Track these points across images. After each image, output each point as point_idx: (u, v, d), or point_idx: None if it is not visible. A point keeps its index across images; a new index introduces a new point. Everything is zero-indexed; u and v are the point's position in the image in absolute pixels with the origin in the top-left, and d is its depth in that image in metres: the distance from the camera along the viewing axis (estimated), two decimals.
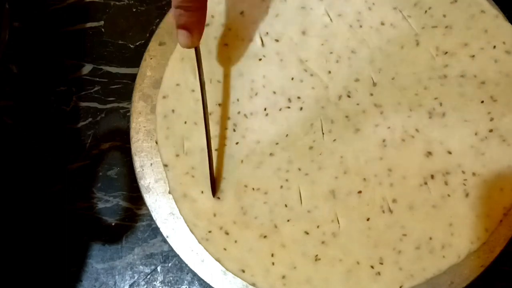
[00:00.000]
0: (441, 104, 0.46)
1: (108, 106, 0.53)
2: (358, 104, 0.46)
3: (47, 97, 0.53)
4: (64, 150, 0.52)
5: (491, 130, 0.45)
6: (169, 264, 0.50)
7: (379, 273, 0.44)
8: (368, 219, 0.45)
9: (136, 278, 0.50)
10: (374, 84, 0.47)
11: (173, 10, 0.41)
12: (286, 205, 0.45)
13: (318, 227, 0.45)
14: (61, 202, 0.51)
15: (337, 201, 0.45)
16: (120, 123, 0.52)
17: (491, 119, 0.45)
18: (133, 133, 0.49)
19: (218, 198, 0.45)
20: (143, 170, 0.48)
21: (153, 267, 0.50)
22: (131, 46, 0.54)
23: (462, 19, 0.46)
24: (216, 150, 0.46)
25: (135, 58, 0.52)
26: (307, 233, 0.45)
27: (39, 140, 0.52)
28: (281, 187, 0.45)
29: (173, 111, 0.47)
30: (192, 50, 0.47)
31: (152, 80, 0.49)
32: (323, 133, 0.46)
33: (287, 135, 0.46)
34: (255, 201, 0.45)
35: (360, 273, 0.44)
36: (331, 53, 0.47)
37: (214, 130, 0.46)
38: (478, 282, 0.45)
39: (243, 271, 0.44)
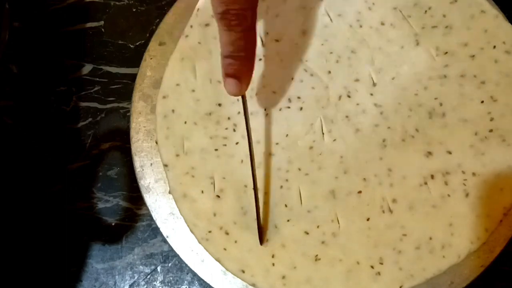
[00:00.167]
0: (441, 104, 0.46)
1: (108, 106, 0.53)
2: (358, 104, 0.46)
3: (47, 97, 0.53)
4: (64, 150, 0.52)
5: (491, 130, 0.45)
6: (169, 264, 0.50)
7: (379, 273, 0.44)
8: (368, 219, 0.45)
9: (136, 278, 0.50)
10: (374, 84, 0.47)
11: (222, 59, 0.41)
12: (286, 205, 0.45)
13: (318, 227, 0.45)
14: (61, 202, 0.51)
15: (337, 201, 0.45)
16: (120, 123, 0.52)
17: (491, 119, 0.45)
18: (133, 133, 0.49)
19: (218, 196, 0.45)
20: (143, 170, 0.48)
21: (153, 267, 0.50)
22: (131, 46, 0.54)
23: (462, 19, 0.46)
24: (216, 150, 0.46)
25: (135, 58, 0.52)
26: (307, 233, 0.45)
27: (39, 140, 0.52)
28: (281, 187, 0.45)
29: (173, 111, 0.47)
30: (192, 50, 0.47)
31: (152, 80, 0.49)
32: (323, 133, 0.46)
33: (287, 135, 0.46)
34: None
35: (360, 273, 0.44)
36: (331, 53, 0.47)
37: (214, 130, 0.46)
38: (478, 282, 0.45)
39: (243, 271, 0.44)
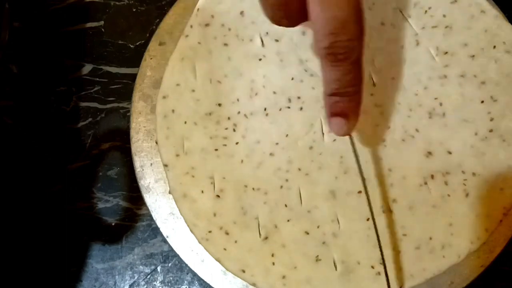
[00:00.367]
0: (441, 104, 0.46)
1: (108, 106, 0.53)
2: None
3: (47, 97, 0.53)
4: (64, 150, 0.52)
5: (491, 130, 0.45)
6: (169, 264, 0.50)
7: (379, 273, 0.44)
8: (368, 219, 0.45)
9: (136, 278, 0.50)
10: (374, 84, 0.47)
11: (326, 98, 0.37)
12: (286, 205, 0.45)
13: (318, 227, 0.45)
14: (61, 202, 0.51)
15: (337, 201, 0.45)
16: (120, 123, 0.52)
17: (491, 119, 0.45)
18: (133, 133, 0.49)
19: (218, 195, 0.45)
20: (143, 170, 0.48)
21: (153, 267, 0.50)
22: (131, 46, 0.54)
23: (462, 19, 0.46)
24: (216, 150, 0.46)
25: (135, 58, 0.52)
26: (307, 233, 0.45)
27: (39, 140, 0.52)
28: (281, 187, 0.45)
29: (173, 111, 0.47)
30: (192, 50, 0.47)
31: (152, 80, 0.49)
32: (323, 133, 0.46)
33: (287, 135, 0.46)
34: (255, 201, 0.45)
35: (361, 273, 0.44)
36: None
37: (214, 130, 0.46)
38: (478, 282, 0.45)
39: (243, 271, 0.44)
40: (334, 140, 0.46)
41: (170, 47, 0.49)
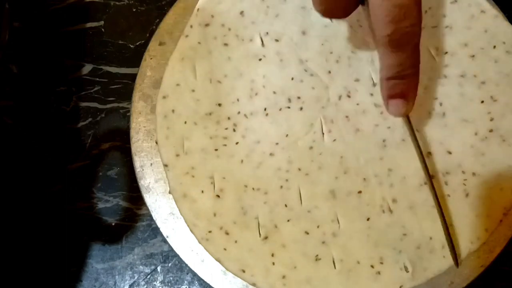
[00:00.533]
0: (441, 104, 0.46)
1: (108, 106, 0.53)
2: (358, 104, 0.46)
3: (47, 97, 0.53)
4: (64, 150, 0.52)
5: (491, 130, 0.45)
6: (169, 264, 0.50)
7: (379, 273, 0.44)
8: (368, 219, 0.45)
9: (136, 278, 0.50)
10: (374, 84, 0.47)
11: (385, 81, 0.38)
12: (286, 205, 0.45)
13: (318, 227, 0.45)
14: (61, 202, 0.51)
15: (337, 201, 0.45)
16: (120, 123, 0.52)
17: (491, 119, 0.45)
18: (133, 133, 0.49)
19: (218, 195, 0.45)
20: (143, 170, 0.48)
21: (153, 267, 0.50)
22: (131, 46, 0.54)
23: (462, 19, 0.46)
24: (216, 150, 0.46)
25: (135, 58, 0.52)
26: (307, 233, 0.45)
27: (39, 140, 0.52)
28: (281, 187, 0.45)
29: (173, 111, 0.47)
30: (192, 50, 0.47)
31: (152, 80, 0.49)
32: (323, 133, 0.46)
33: (287, 135, 0.46)
34: (255, 201, 0.45)
35: (360, 272, 0.44)
36: (331, 53, 0.47)
37: (214, 130, 0.46)
38: (478, 282, 0.45)
39: (243, 271, 0.44)
40: (334, 140, 0.46)
41: (170, 47, 0.49)
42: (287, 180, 0.46)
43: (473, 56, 0.46)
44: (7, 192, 0.51)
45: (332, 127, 0.46)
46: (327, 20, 0.47)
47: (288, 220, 0.45)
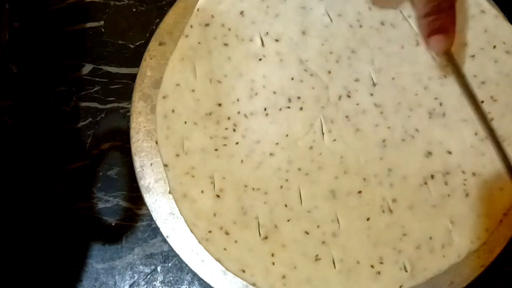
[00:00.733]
0: (441, 104, 0.46)
1: (108, 106, 0.53)
2: (358, 104, 0.46)
3: (47, 97, 0.53)
4: (64, 150, 0.52)
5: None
6: (169, 264, 0.50)
7: (379, 273, 0.44)
8: (368, 219, 0.45)
9: (136, 278, 0.50)
10: (374, 84, 0.47)
11: (422, 20, 0.39)
12: (286, 205, 0.45)
13: (318, 227, 0.45)
14: (61, 202, 0.51)
15: (337, 201, 0.45)
16: (120, 123, 0.52)
17: (491, 119, 0.45)
18: (133, 133, 0.49)
19: (218, 195, 0.45)
20: (143, 170, 0.48)
21: (153, 267, 0.50)
22: (131, 46, 0.54)
23: (462, 19, 0.46)
24: (216, 150, 0.46)
25: (135, 58, 0.52)
26: (307, 233, 0.45)
27: (39, 140, 0.52)
28: (281, 187, 0.45)
29: (173, 111, 0.47)
30: (192, 50, 0.47)
31: (152, 80, 0.49)
32: (323, 133, 0.46)
33: (287, 135, 0.46)
34: (255, 201, 0.45)
35: (360, 272, 0.44)
36: (331, 53, 0.47)
37: (214, 130, 0.46)
38: (478, 282, 0.45)
39: (243, 271, 0.44)
40: (334, 140, 0.46)
41: (170, 47, 0.49)
42: (287, 180, 0.46)
43: (473, 56, 0.46)
44: (7, 192, 0.51)
45: (332, 127, 0.46)
46: (327, 20, 0.47)
47: (288, 220, 0.45)
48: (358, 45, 0.47)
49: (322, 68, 0.47)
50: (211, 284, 0.46)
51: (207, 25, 0.48)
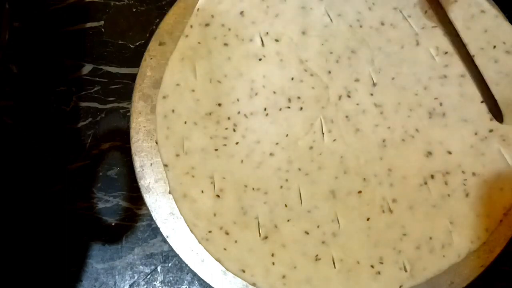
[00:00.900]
0: (441, 104, 0.46)
1: (108, 106, 0.53)
2: (358, 104, 0.46)
3: (47, 97, 0.53)
4: (64, 150, 0.52)
5: (491, 130, 0.45)
6: (169, 264, 0.50)
7: (379, 273, 0.44)
8: (368, 219, 0.45)
9: (136, 278, 0.50)
10: (374, 84, 0.47)
11: None
12: (286, 205, 0.45)
13: (318, 227, 0.45)
14: (61, 202, 0.51)
15: (337, 201, 0.45)
16: (120, 123, 0.52)
17: (491, 119, 0.45)
18: (133, 133, 0.49)
19: (218, 195, 0.45)
20: (143, 170, 0.48)
21: (153, 267, 0.50)
22: (131, 46, 0.54)
23: (462, 19, 0.46)
24: (216, 150, 0.46)
25: (135, 58, 0.52)
26: (307, 233, 0.45)
27: (39, 140, 0.52)
28: (281, 187, 0.45)
29: (173, 111, 0.47)
30: (192, 50, 0.47)
31: (152, 80, 0.49)
32: (323, 133, 0.46)
33: (287, 135, 0.46)
34: (255, 201, 0.45)
35: (360, 272, 0.44)
36: (331, 53, 0.47)
37: (214, 130, 0.46)
38: (478, 282, 0.45)
39: (243, 271, 0.44)
40: (334, 140, 0.46)
41: (170, 47, 0.49)
42: (287, 180, 0.46)
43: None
44: (7, 192, 0.51)
45: (332, 127, 0.46)
46: (327, 20, 0.47)
47: (288, 220, 0.45)
48: (358, 45, 0.47)
49: (322, 68, 0.47)
50: (211, 284, 0.46)
51: (207, 25, 0.48)
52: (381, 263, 0.44)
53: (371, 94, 0.46)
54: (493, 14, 0.46)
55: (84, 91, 0.53)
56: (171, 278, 0.50)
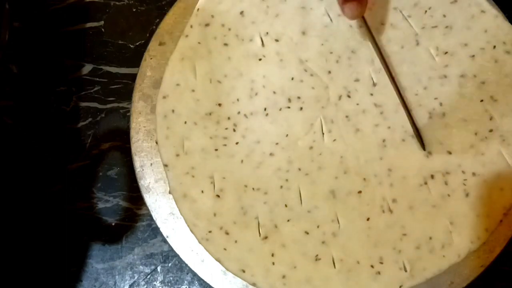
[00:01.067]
0: (441, 104, 0.46)
1: (108, 106, 0.53)
2: (358, 104, 0.46)
3: (47, 97, 0.53)
4: (64, 150, 0.52)
5: (491, 130, 0.45)
6: (169, 264, 0.50)
7: (379, 273, 0.44)
8: (368, 219, 0.45)
9: (136, 278, 0.50)
10: (374, 84, 0.47)
11: None
12: (286, 205, 0.45)
13: (318, 227, 0.45)
14: (61, 202, 0.51)
15: (337, 201, 0.45)
16: (120, 123, 0.52)
17: (491, 119, 0.45)
18: (133, 133, 0.49)
19: (218, 195, 0.45)
20: (143, 170, 0.48)
21: (153, 267, 0.50)
22: (131, 46, 0.54)
23: (462, 19, 0.46)
24: (216, 150, 0.46)
25: (135, 58, 0.52)
26: (307, 233, 0.45)
27: (39, 140, 0.52)
28: (281, 187, 0.45)
29: (173, 111, 0.47)
30: (192, 50, 0.47)
31: (152, 80, 0.49)
32: (323, 133, 0.46)
33: (287, 135, 0.46)
34: (255, 201, 0.45)
35: (360, 272, 0.44)
36: (331, 53, 0.47)
37: (214, 130, 0.46)
38: (478, 282, 0.45)
39: (243, 271, 0.44)
40: (334, 140, 0.46)
41: (170, 47, 0.49)
42: (287, 180, 0.46)
43: (473, 56, 0.46)
44: (7, 192, 0.51)
45: (332, 127, 0.46)
46: (327, 20, 0.47)
47: (288, 220, 0.45)
48: (358, 45, 0.47)
49: (322, 68, 0.47)
50: (211, 284, 0.46)
51: (207, 25, 0.48)
52: (381, 263, 0.44)
53: (371, 94, 0.46)
54: (493, 14, 0.46)
55: (84, 91, 0.53)
56: (171, 278, 0.50)
